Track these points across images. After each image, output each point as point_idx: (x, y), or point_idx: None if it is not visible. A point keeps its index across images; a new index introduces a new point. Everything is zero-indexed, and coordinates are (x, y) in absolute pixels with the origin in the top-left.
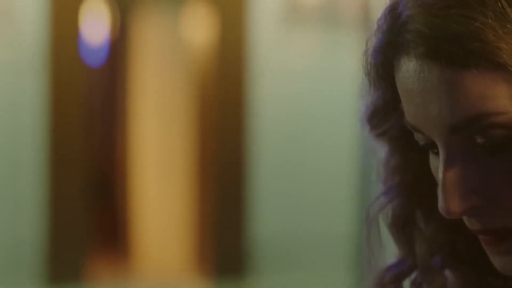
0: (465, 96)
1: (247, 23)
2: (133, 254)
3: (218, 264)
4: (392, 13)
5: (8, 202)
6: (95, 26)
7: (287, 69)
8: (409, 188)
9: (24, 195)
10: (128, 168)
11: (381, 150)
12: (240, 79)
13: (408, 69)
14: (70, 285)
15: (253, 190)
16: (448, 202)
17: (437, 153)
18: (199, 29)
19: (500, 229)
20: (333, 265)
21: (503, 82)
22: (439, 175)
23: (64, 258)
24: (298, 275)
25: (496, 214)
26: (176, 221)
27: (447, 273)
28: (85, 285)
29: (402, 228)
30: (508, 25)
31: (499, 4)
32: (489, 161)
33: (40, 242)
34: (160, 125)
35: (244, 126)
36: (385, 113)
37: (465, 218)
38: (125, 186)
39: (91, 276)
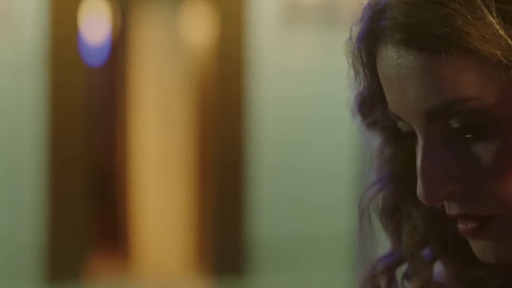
0: (437, 82)
1: (247, 22)
2: (133, 253)
3: (218, 264)
4: (373, 1)
5: (8, 201)
6: (95, 26)
7: (286, 68)
8: (400, 177)
9: (24, 195)
10: (128, 168)
11: (375, 140)
12: (240, 78)
13: (386, 56)
14: (70, 284)
15: (253, 190)
16: (425, 188)
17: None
18: (198, 28)
19: (477, 214)
20: (333, 265)
21: (473, 68)
22: (417, 161)
23: (64, 257)
24: (297, 275)
25: (473, 200)
26: (176, 221)
27: (435, 266)
28: (85, 285)
29: (391, 216)
30: (478, 11)
31: None
32: (465, 147)
33: (40, 241)
34: (160, 125)
35: (244, 126)
36: (373, 102)
37: (444, 203)
38: (125, 185)
39: (91, 275)
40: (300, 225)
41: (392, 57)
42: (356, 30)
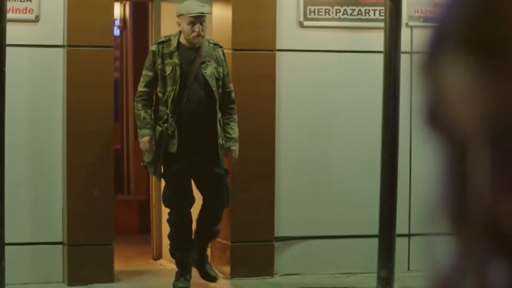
0: (499, 95)
1: (271, 16)
2: (154, 251)
3: (239, 264)
4: (438, 16)
5: (30, 198)
6: (119, 13)
7: (310, 62)
8: (465, 183)
9: (47, 190)
10: None
11: (442, 147)
12: (265, 69)
13: (450, 69)
14: (92, 283)
15: (277, 187)
16: (481, 199)
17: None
18: (222, 16)
19: None
20: (359, 265)
21: None
22: (476, 170)
23: (86, 255)
24: (319, 276)
25: None
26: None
27: (494, 265)
28: (105, 282)
29: (458, 220)
30: None
31: None
32: None
33: (62, 237)
34: None
35: (270, 121)
36: (440, 114)
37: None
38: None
39: (110, 273)
40: (323, 225)
41: (455, 70)
42: (423, 44)
